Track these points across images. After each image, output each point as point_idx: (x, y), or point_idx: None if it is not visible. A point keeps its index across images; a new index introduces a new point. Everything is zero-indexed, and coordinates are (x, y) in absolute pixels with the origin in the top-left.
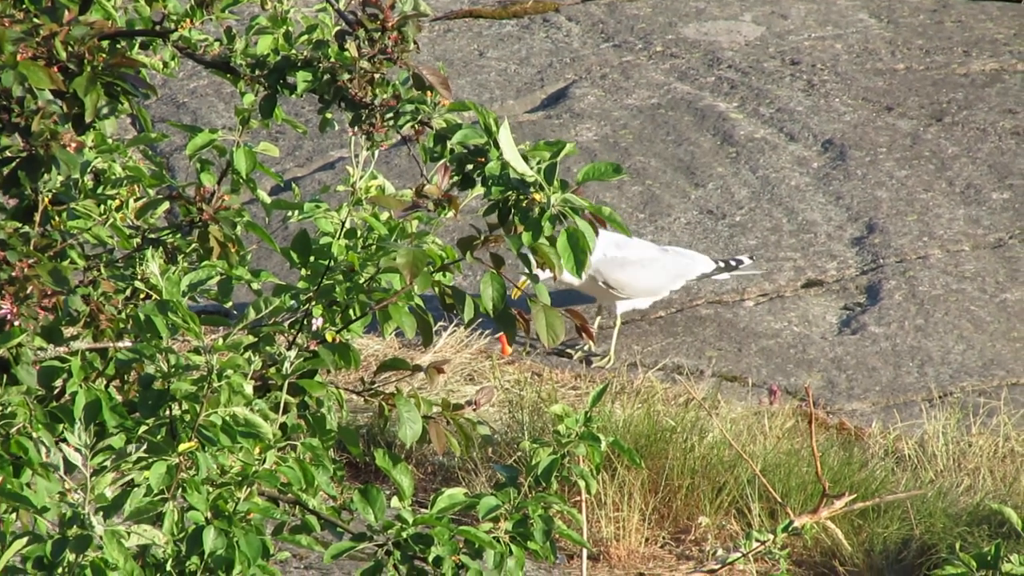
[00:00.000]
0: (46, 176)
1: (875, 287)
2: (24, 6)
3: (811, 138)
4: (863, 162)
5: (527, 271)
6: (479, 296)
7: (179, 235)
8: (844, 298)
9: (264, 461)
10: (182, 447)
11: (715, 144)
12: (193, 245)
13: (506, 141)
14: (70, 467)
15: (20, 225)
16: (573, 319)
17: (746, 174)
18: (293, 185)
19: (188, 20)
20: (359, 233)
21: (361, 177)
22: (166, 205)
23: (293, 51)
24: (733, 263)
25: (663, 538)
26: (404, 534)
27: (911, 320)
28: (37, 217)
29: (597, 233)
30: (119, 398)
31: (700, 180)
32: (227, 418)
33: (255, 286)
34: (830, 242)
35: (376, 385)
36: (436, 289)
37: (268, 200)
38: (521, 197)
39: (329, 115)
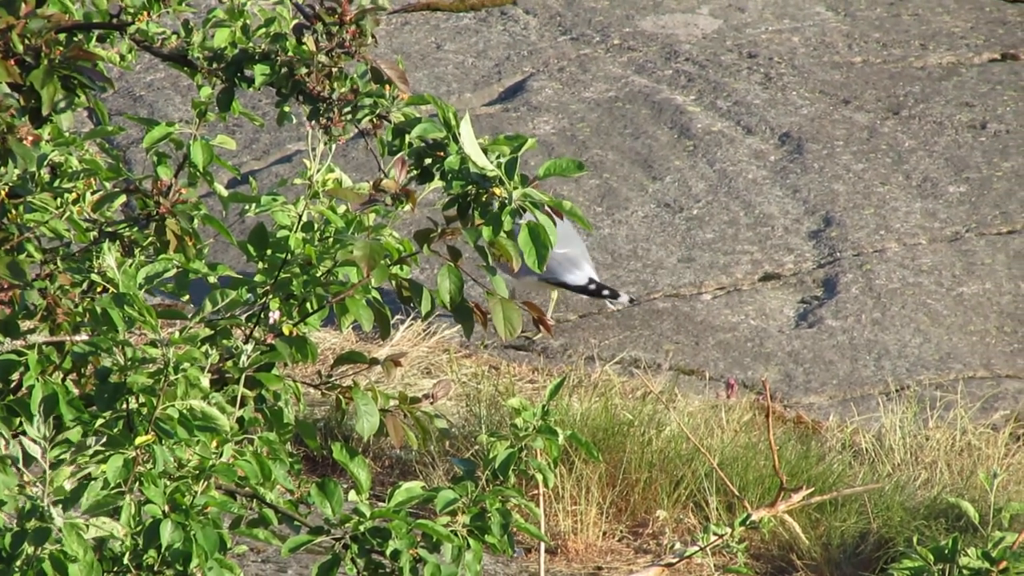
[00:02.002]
0: (2, 169)
1: (832, 281)
2: None
3: (768, 131)
4: (820, 155)
5: (484, 264)
6: (437, 289)
7: (136, 228)
8: (801, 292)
9: (221, 455)
10: (139, 440)
11: (672, 137)
12: (150, 238)
13: (467, 135)
14: (28, 460)
15: None
16: (531, 312)
17: (703, 167)
18: (250, 178)
19: (145, 13)
20: (316, 226)
21: (318, 170)
22: (123, 198)
23: (251, 44)
24: (606, 292)
25: (621, 532)
26: (361, 528)
27: (868, 314)
28: None
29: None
30: (76, 391)
31: (658, 173)
32: (184, 411)
33: (212, 279)
34: (787, 235)
35: (333, 379)
36: (393, 282)
37: (225, 193)
38: (481, 192)
39: (287, 108)
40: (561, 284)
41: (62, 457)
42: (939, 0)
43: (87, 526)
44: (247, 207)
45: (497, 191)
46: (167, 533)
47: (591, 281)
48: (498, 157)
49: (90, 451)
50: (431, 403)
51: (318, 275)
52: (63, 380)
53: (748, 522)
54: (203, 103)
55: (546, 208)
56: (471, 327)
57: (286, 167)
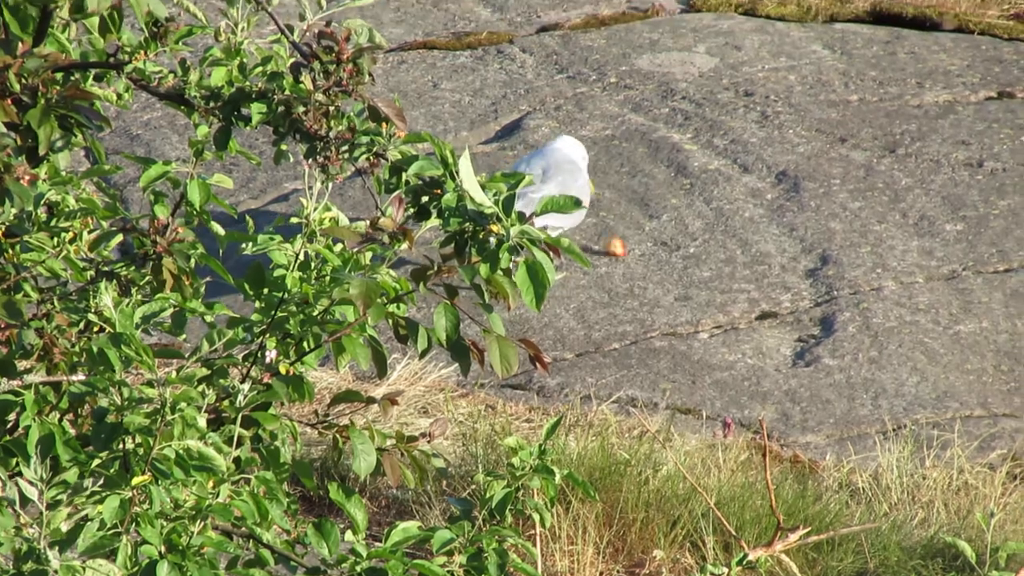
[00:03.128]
0: None
1: (829, 319)
2: None
3: (765, 170)
4: (817, 194)
5: (480, 301)
6: (433, 327)
7: (133, 267)
8: (798, 330)
9: (218, 494)
10: (135, 480)
11: (669, 176)
12: (147, 278)
13: (466, 171)
14: (25, 501)
15: None
16: (527, 349)
17: (700, 206)
18: (247, 217)
19: (142, 52)
20: (313, 265)
21: (315, 209)
22: (120, 238)
23: (247, 83)
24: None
25: (618, 571)
26: (358, 568)
27: (865, 352)
28: None
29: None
30: (73, 432)
31: (654, 212)
32: (181, 451)
33: (208, 319)
34: (784, 274)
35: (330, 418)
36: (390, 320)
37: (222, 232)
38: (478, 229)
39: (284, 147)
40: None
41: (59, 498)
42: (935, 38)
43: (83, 568)
44: (244, 245)
45: (494, 228)
46: (163, 574)
47: None
48: (495, 194)
49: (87, 492)
50: (428, 441)
51: (315, 314)
52: (60, 420)
53: (745, 562)
54: (200, 142)
55: (543, 245)
56: (468, 365)
57: (283, 206)
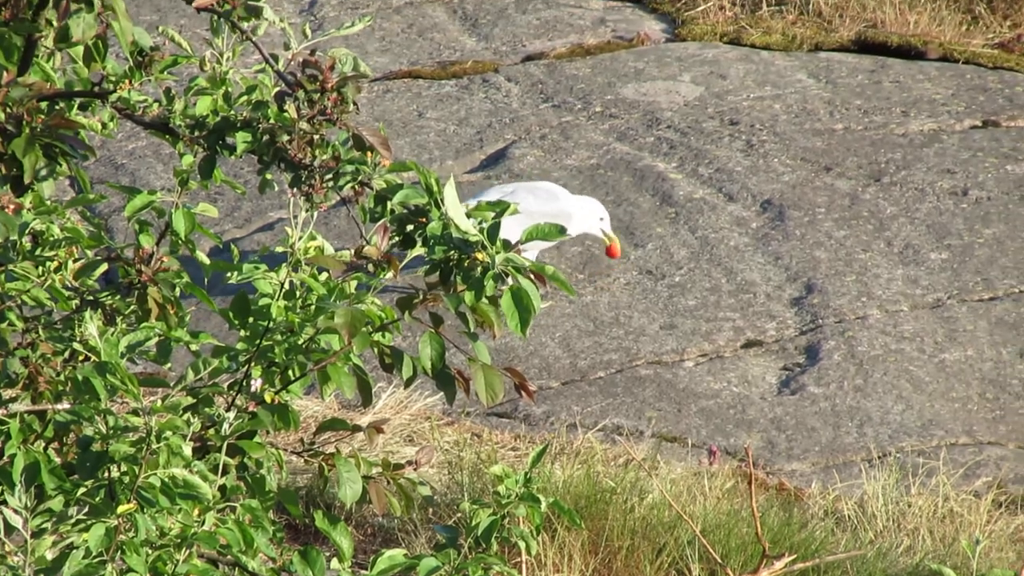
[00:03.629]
0: None
1: (814, 347)
2: None
3: (750, 198)
4: (802, 222)
5: (466, 330)
6: (418, 356)
7: (118, 296)
8: (783, 358)
9: (203, 523)
10: (121, 509)
11: (654, 205)
12: (132, 306)
13: (451, 199)
14: (10, 529)
15: None
16: (513, 378)
17: (685, 234)
18: (232, 246)
19: (127, 81)
20: (298, 294)
21: (300, 238)
22: (104, 267)
23: (232, 112)
24: None
25: None
26: None
27: (850, 380)
28: None
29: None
30: (58, 460)
31: (639, 240)
32: (166, 479)
33: (194, 347)
34: (769, 302)
35: (316, 446)
36: (375, 349)
37: (207, 261)
38: (463, 257)
39: (269, 176)
40: None
41: (44, 526)
42: (920, 67)
43: None
44: (229, 275)
45: (479, 256)
46: None
47: None
48: (480, 222)
49: (72, 520)
50: (415, 469)
51: (300, 343)
52: (45, 449)
53: None
54: (185, 172)
55: (528, 273)
56: (453, 394)
57: (268, 235)
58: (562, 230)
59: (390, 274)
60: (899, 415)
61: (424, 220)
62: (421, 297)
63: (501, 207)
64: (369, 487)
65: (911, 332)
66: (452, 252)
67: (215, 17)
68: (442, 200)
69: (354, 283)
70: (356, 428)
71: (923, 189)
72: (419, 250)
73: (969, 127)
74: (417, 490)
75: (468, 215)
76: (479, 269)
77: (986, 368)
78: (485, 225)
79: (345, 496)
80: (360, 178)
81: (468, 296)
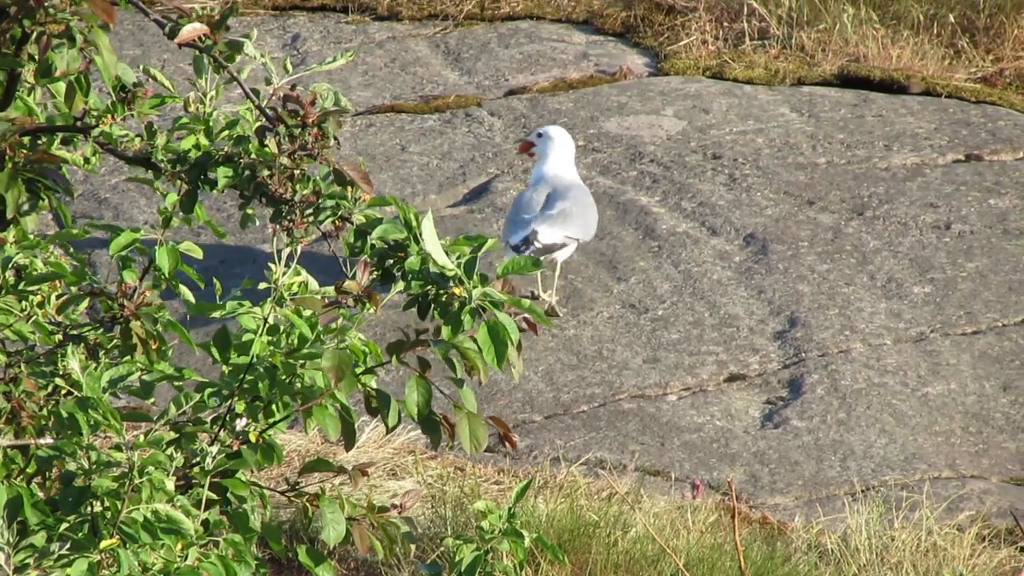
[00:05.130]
0: None
1: (797, 381)
2: None
3: (733, 232)
4: (785, 256)
5: (452, 376)
6: (404, 400)
7: (101, 331)
8: (767, 392)
9: (186, 558)
10: (104, 544)
11: (637, 238)
12: (115, 341)
13: (429, 233)
14: None
15: None
16: (497, 427)
17: (668, 268)
18: (215, 280)
19: (109, 116)
20: (282, 329)
21: (284, 273)
22: (87, 301)
23: (213, 147)
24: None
25: None
26: None
27: (833, 414)
28: None
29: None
30: (41, 495)
31: (623, 274)
32: (149, 515)
33: (176, 383)
34: (752, 336)
35: (300, 484)
36: (362, 390)
37: (191, 298)
38: (441, 292)
39: (250, 211)
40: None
41: (26, 562)
42: (903, 101)
43: None
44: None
45: (456, 291)
46: None
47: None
48: (458, 257)
49: (54, 555)
50: (399, 513)
51: (284, 380)
52: (28, 483)
53: None
54: (169, 211)
55: (507, 307)
56: (438, 439)
57: (250, 268)
58: (536, 263)
59: (372, 310)
60: (882, 449)
61: (403, 255)
62: (411, 342)
63: (479, 242)
64: (353, 528)
65: (894, 366)
66: (430, 287)
67: (199, 55)
68: (420, 235)
69: (340, 320)
70: (341, 470)
71: (906, 223)
72: (401, 285)
73: (952, 161)
74: (401, 531)
75: (446, 251)
76: (456, 304)
77: (969, 402)
78: (463, 260)
79: (328, 537)
80: (340, 213)
81: (445, 331)
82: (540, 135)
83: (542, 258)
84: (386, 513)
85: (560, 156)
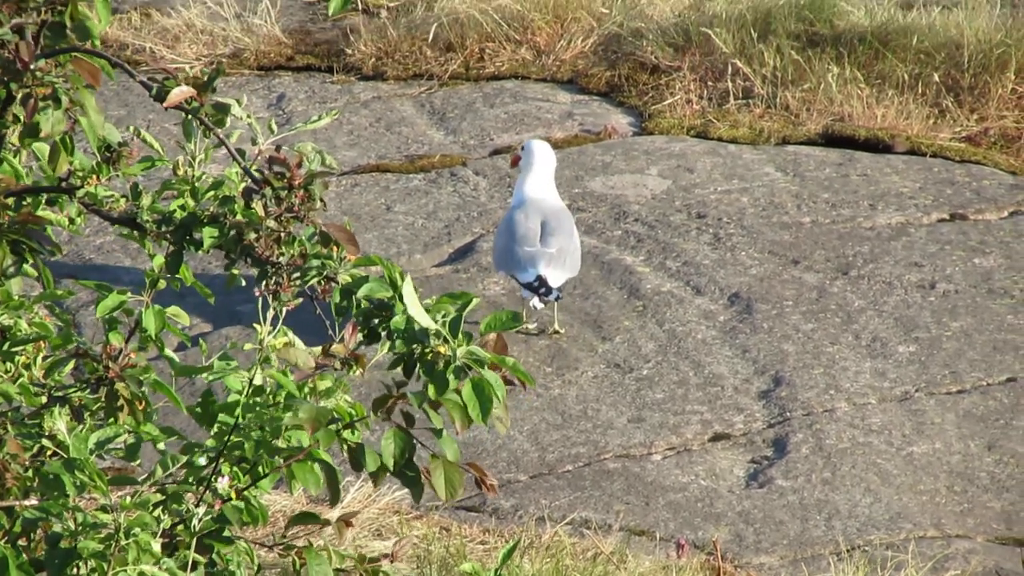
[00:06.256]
0: None
1: (782, 440)
2: None
3: (717, 291)
4: (770, 315)
5: (431, 427)
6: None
7: (86, 392)
8: (751, 451)
9: None
10: None
11: (622, 298)
12: (100, 402)
13: (409, 294)
14: None
15: None
16: (473, 472)
17: (653, 327)
18: (200, 340)
19: (95, 176)
20: (268, 390)
21: (270, 334)
22: (73, 363)
23: (198, 208)
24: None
25: None
26: None
27: (818, 473)
28: None
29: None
30: (26, 557)
31: (607, 334)
32: None
33: (160, 446)
34: (737, 395)
35: (287, 540)
36: (344, 446)
37: (177, 360)
38: (426, 351)
39: (236, 272)
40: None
41: None
42: (887, 160)
43: None
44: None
45: (441, 349)
46: None
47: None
48: (443, 316)
49: None
50: (391, 562)
51: (268, 439)
52: (13, 545)
53: None
54: (155, 274)
55: (492, 365)
56: (420, 491)
57: (236, 329)
58: (516, 317)
59: (358, 372)
60: (867, 508)
61: (388, 314)
62: (395, 398)
63: (464, 300)
64: None
65: (879, 425)
66: (415, 345)
67: (187, 119)
68: (402, 296)
69: (328, 381)
70: (326, 522)
71: (891, 282)
72: (388, 346)
73: (937, 220)
74: None
75: (429, 309)
76: (441, 362)
77: (954, 461)
78: (447, 319)
79: None
80: (325, 273)
81: (431, 390)
82: (523, 148)
83: (522, 311)
84: (376, 563)
85: (541, 171)
